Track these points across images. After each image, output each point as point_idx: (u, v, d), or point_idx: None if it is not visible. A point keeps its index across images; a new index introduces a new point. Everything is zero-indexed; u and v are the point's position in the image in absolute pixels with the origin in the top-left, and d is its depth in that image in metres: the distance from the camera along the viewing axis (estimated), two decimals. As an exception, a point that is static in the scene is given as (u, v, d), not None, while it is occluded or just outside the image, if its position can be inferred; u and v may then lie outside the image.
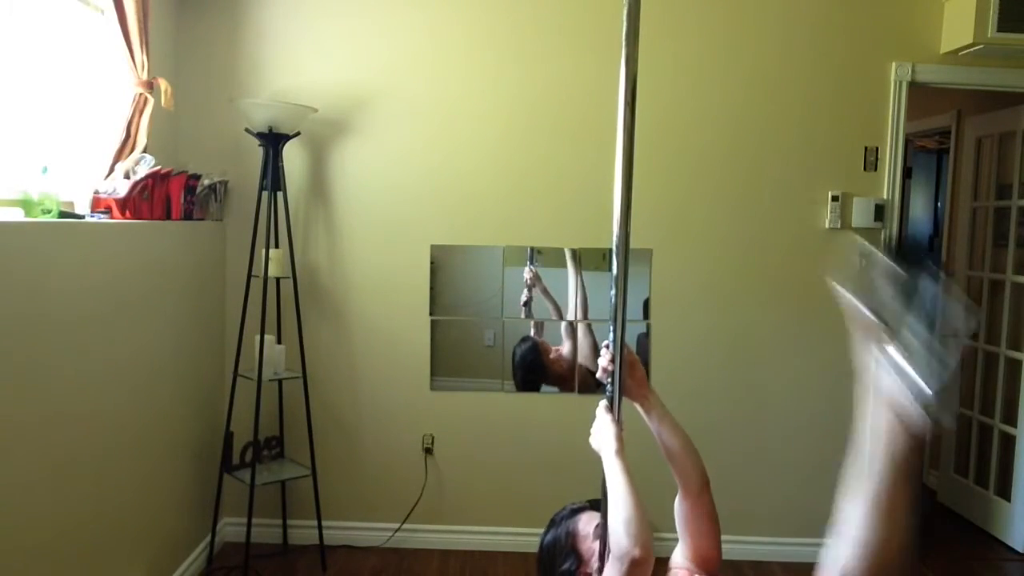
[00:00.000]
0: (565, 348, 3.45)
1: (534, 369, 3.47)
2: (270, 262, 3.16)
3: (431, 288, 3.44)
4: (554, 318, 3.42)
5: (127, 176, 2.73)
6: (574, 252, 3.40)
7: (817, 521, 3.81)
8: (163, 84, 2.91)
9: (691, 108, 3.36)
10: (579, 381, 3.45)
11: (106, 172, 2.73)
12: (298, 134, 3.26)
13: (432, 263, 3.44)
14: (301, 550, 3.46)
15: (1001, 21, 3.08)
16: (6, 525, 1.98)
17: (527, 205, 3.41)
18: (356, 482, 3.51)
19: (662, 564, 3.72)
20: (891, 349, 1.14)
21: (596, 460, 1.61)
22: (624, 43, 1.52)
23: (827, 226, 3.39)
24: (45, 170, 2.36)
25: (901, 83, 3.34)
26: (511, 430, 3.48)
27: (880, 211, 3.37)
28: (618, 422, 1.61)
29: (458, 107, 3.38)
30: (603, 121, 3.32)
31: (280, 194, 3.23)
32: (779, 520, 3.49)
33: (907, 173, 4.72)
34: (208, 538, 3.34)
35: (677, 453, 1.66)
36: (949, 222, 4.48)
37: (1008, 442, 3.81)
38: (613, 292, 1.60)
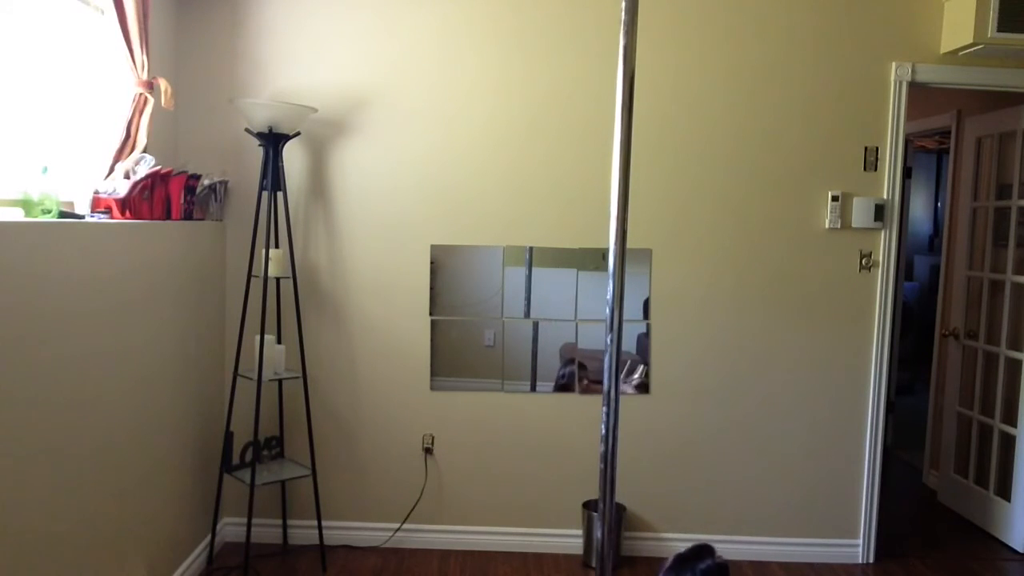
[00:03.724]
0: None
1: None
2: (270, 262, 3.16)
3: (431, 288, 3.45)
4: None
5: (127, 176, 2.73)
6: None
7: (817, 521, 3.85)
8: (163, 84, 2.92)
9: (691, 108, 3.36)
10: (579, 382, 3.46)
11: (106, 172, 2.74)
12: (298, 134, 3.26)
13: (432, 263, 3.44)
14: (301, 550, 3.46)
15: (1001, 21, 3.08)
16: (7, 525, 1.98)
17: (527, 205, 3.41)
18: (356, 482, 3.51)
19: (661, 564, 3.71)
20: None
21: (594, 460, 1.60)
22: (623, 34, 1.50)
23: (827, 226, 3.40)
24: (45, 170, 2.36)
25: (901, 83, 3.35)
26: (511, 430, 3.48)
27: (880, 211, 3.37)
28: None
29: (458, 107, 3.38)
30: (603, 123, 3.33)
31: (280, 194, 3.24)
32: (779, 520, 3.50)
33: (907, 173, 4.73)
34: (208, 538, 3.34)
35: None
36: (949, 222, 4.49)
37: (1008, 442, 3.81)
38: (611, 290, 1.58)
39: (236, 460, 3.26)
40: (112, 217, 2.63)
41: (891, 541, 3.74)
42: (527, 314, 3.45)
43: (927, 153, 8.49)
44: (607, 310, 1.53)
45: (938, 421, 4.48)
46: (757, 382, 3.46)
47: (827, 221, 3.40)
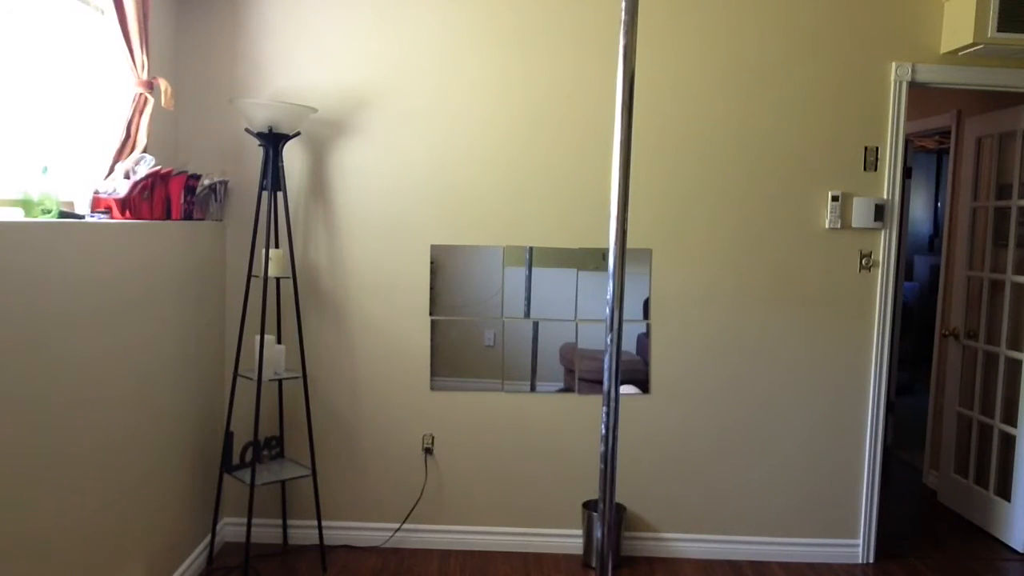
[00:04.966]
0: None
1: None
2: (270, 262, 3.16)
3: (431, 288, 3.45)
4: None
5: (127, 176, 2.73)
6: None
7: (817, 521, 3.85)
8: (163, 84, 2.92)
9: (691, 108, 3.36)
10: (579, 382, 3.46)
11: (106, 172, 2.74)
12: (298, 134, 3.26)
13: (432, 263, 3.44)
14: (301, 550, 3.46)
15: (1001, 21, 3.09)
16: (6, 525, 1.98)
17: (527, 205, 3.41)
18: (356, 482, 3.51)
19: (664, 564, 3.74)
20: None
21: (594, 460, 1.60)
22: (623, 34, 1.50)
23: (827, 226, 3.40)
24: (45, 170, 2.36)
25: (901, 83, 3.35)
26: (511, 430, 3.48)
27: (880, 211, 3.37)
28: None
29: (458, 107, 3.38)
30: (603, 123, 3.33)
31: (280, 194, 3.24)
32: (779, 520, 3.50)
33: (907, 173, 4.73)
34: (208, 538, 3.34)
35: None
36: (949, 222, 4.49)
37: (1008, 442, 3.81)
38: (611, 290, 1.58)
39: (236, 460, 3.27)
40: (112, 217, 2.63)
41: (891, 541, 3.74)
42: (527, 314, 3.45)
43: (927, 153, 8.50)
44: (607, 310, 1.53)
45: (938, 421, 4.48)
46: (757, 382, 3.46)
47: (827, 221, 3.40)
